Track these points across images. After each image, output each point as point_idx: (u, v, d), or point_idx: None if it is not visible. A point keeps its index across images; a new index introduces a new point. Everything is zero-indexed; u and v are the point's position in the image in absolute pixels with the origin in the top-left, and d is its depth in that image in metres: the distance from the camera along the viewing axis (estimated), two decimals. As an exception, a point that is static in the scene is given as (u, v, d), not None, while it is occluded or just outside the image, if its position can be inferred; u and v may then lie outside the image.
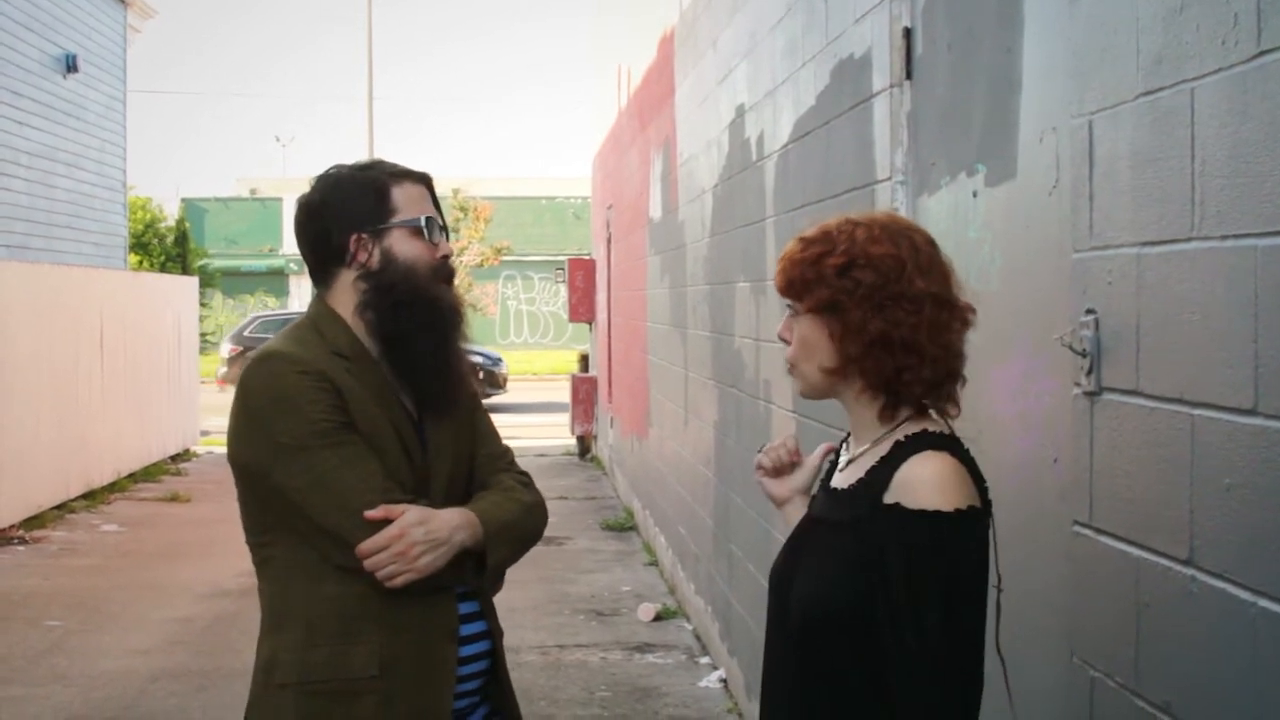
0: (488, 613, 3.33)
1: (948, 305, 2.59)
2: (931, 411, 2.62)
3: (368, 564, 3.02)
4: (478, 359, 29.03)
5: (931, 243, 2.64)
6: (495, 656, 3.35)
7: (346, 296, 3.24)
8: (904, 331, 2.54)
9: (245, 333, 30.50)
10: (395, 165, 3.34)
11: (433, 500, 3.19)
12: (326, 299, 3.28)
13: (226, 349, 29.96)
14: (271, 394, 3.11)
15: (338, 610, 3.09)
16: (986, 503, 2.53)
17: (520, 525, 3.28)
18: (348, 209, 3.24)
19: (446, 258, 3.30)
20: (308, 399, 3.07)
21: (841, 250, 2.58)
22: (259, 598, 3.27)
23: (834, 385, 2.64)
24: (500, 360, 30.41)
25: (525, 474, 3.45)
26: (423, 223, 3.24)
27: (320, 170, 3.36)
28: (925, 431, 2.57)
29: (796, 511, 2.93)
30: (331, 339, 3.20)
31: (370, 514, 3.02)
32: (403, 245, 3.22)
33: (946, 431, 2.60)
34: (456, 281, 3.42)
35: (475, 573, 3.18)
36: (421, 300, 3.19)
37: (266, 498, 3.14)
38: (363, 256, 3.23)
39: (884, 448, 2.58)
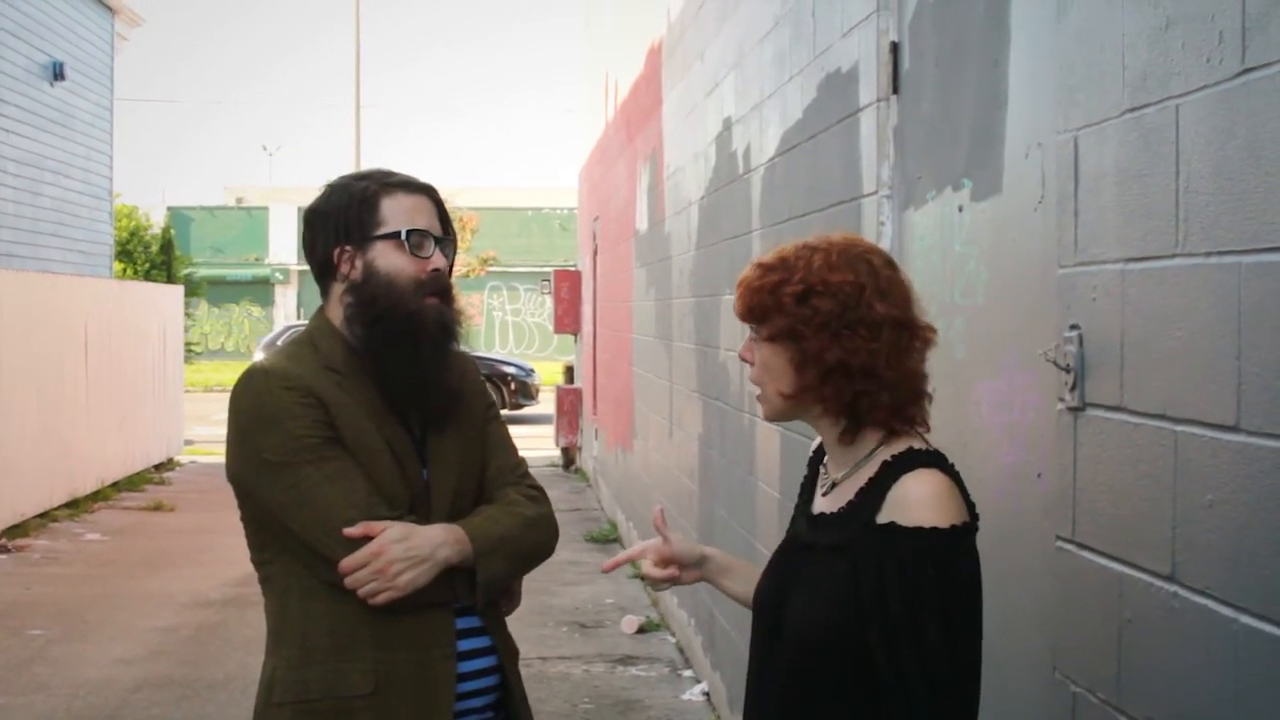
0: (493, 629, 3.27)
1: (908, 328, 2.59)
2: (901, 429, 2.62)
3: (348, 582, 3.00)
4: (511, 370, 28.98)
5: (891, 264, 2.64)
6: (505, 673, 3.29)
7: (339, 310, 3.21)
8: (861, 358, 2.53)
9: (279, 343, 30.45)
10: (393, 175, 3.28)
11: (435, 515, 3.16)
12: (326, 311, 3.26)
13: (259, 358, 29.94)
14: (256, 410, 3.09)
15: (331, 627, 3.07)
16: (974, 517, 2.54)
17: (518, 540, 3.22)
18: (335, 221, 3.21)
19: (438, 270, 3.21)
20: (291, 414, 3.05)
21: (799, 279, 2.57)
22: (265, 614, 3.25)
23: (797, 409, 2.65)
24: (533, 371, 30.20)
25: (537, 487, 3.39)
26: (403, 235, 3.17)
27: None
28: (911, 449, 2.57)
29: (718, 567, 3.07)
30: (326, 353, 3.17)
31: (349, 531, 2.99)
32: (385, 258, 3.17)
33: (931, 448, 2.60)
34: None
35: (468, 590, 3.14)
36: (400, 314, 3.14)
37: (259, 514, 3.13)
38: (346, 269, 3.19)
39: (871, 469, 2.58)
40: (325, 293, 3.27)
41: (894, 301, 2.58)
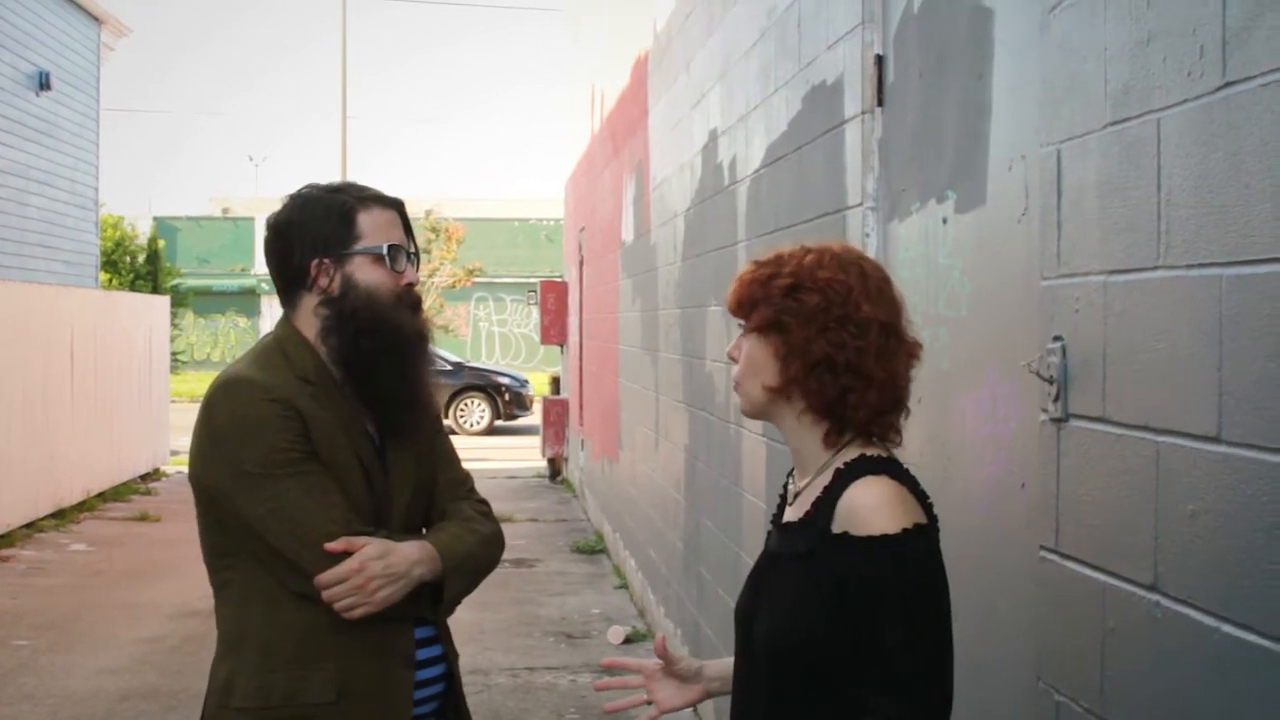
0: (443, 637, 3.35)
1: (895, 334, 2.61)
2: (874, 438, 2.64)
3: (326, 595, 3.03)
4: (505, 380, 28.97)
5: (884, 275, 2.67)
6: (451, 679, 3.37)
7: (309, 321, 3.23)
8: (849, 355, 2.55)
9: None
10: (366, 189, 3.31)
11: (391, 526, 3.21)
12: (294, 321, 3.27)
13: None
14: (237, 420, 3.10)
15: (295, 636, 3.11)
16: (932, 518, 2.56)
17: (477, 558, 3.31)
18: (311, 232, 3.23)
19: (411, 285, 3.27)
20: (273, 427, 3.08)
21: (789, 273, 2.61)
22: (216, 620, 3.27)
23: (774, 405, 2.66)
24: (527, 382, 30.18)
25: (484, 502, 3.47)
26: (385, 250, 3.21)
27: (292, 189, 3.33)
28: (863, 456, 2.58)
29: (721, 686, 3.06)
30: (298, 363, 3.19)
31: (331, 546, 3.03)
32: (364, 272, 3.20)
33: (885, 455, 2.62)
34: (427, 304, 3.41)
35: (431, 604, 3.22)
36: (383, 328, 3.17)
37: (226, 521, 3.15)
38: (323, 281, 3.21)
39: (826, 477, 2.59)
40: (292, 303, 3.28)
41: (883, 307, 2.60)
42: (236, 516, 3.11)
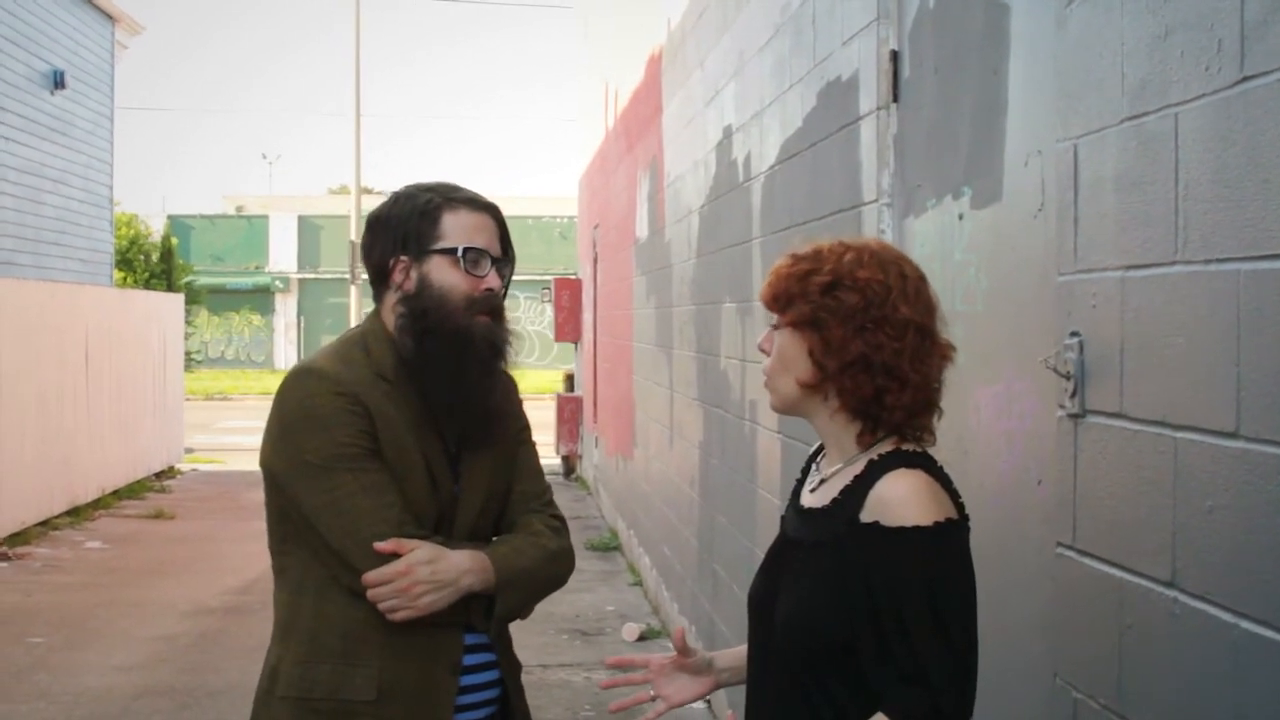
0: (499, 646, 3.30)
1: (930, 336, 2.61)
2: (909, 437, 2.63)
3: (370, 595, 3.02)
4: None
5: (921, 276, 2.66)
6: (507, 688, 3.32)
7: (390, 317, 3.22)
8: (885, 355, 2.55)
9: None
10: (459, 189, 3.28)
11: (456, 533, 3.18)
12: (380, 316, 3.26)
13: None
14: (304, 410, 3.10)
15: (342, 630, 3.10)
16: (964, 515, 2.55)
17: (538, 573, 3.25)
18: (395, 229, 3.21)
19: (491, 290, 3.21)
20: (337, 420, 3.07)
21: (828, 270, 2.59)
22: (273, 603, 3.27)
23: (807, 402, 2.65)
24: None
25: (559, 517, 3.40)
26: (460, 252, 3.17)
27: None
28: (899, 450, 2.59)
29: (731, 676, 3.06)
30: (377, 359, 3.18)
31: (380, 546, 3.01)
32: (440, 273, 3.16)
33: (919, 450, 2.61)
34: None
35: (484, 616, 3.16)
36: (448, 330, 3.14)
37: (286, 509, 3.15)
38: (400, 278, 3.20)
39: (858, 466, 2.59)
40: (378, 298, 3.28)
41: (919, 308, 2.60)
42: (295, 505, 3.11)
